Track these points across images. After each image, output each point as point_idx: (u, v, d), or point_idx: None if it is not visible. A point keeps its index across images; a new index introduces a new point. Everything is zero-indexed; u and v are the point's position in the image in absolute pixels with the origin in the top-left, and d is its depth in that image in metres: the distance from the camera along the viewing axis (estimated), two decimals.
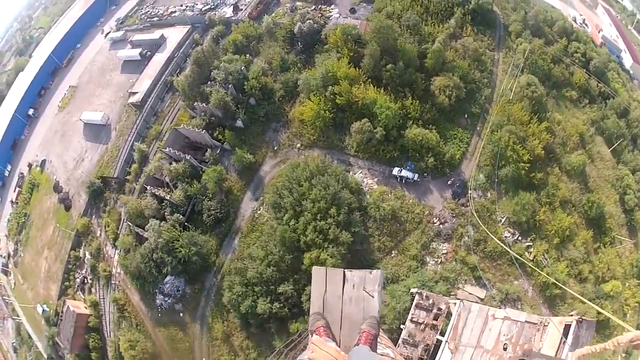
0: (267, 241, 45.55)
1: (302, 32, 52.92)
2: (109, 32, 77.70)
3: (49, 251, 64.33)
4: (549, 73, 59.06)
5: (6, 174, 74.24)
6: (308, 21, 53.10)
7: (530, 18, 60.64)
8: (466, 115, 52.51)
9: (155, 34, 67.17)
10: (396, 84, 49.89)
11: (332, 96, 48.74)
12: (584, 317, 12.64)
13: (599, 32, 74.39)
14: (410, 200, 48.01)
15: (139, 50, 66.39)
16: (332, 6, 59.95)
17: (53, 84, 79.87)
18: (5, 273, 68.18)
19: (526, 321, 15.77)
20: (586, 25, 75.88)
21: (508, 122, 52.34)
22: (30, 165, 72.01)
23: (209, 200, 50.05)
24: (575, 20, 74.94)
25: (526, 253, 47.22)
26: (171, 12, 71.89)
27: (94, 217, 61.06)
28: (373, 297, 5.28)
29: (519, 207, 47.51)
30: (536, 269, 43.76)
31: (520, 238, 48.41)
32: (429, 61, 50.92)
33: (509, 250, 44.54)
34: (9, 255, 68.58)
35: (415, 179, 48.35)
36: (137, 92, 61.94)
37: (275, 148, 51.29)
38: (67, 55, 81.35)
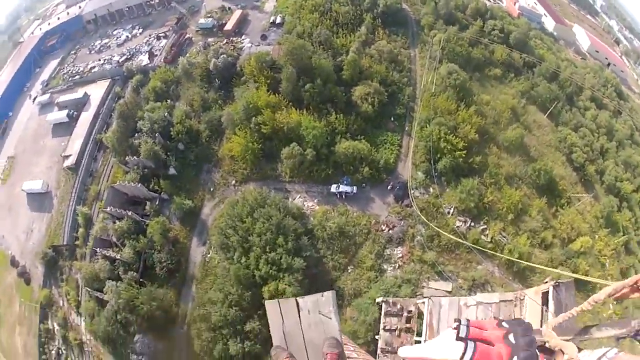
0: (223, 283, 45.44)
1: (217, 68, 52.57)
2: (36, 96, 76.01)
3: (21, 327, 63.32)
4: (469, 57, 59.77)
5: None
6: (222, 56, 52.79)
7: (441, 7, 61.13)
8: (392, 118, 53.05)
9: (79, 93, 65.80)
10: (317, 102, 50.07)
11: (257, 127, 48.70)
12: (559, 281, 12.86)
13: (514, 3, 75.99)
14: (355, 214, 47.89)
15: (65, 111, 65.09)
16: (243, 37, 59.61)
17: None
18: None
19: (500, 301, 15.80)
20: (500, 0, 77.35)
21: (435, 115, 52.79)
22: None
23: (158, 253, 49.83)
24: None
25: (482, 237, 47.25)
26: (91, 68, 70.47)
27: (54, 287, 60.33)
28: (330, 318, 5.28)
29: (464, 195, 47.72)
30: (495, 253, 43.20)
31: (473, 224, 48.48)
32: (346, 72, 51.23)
33: (462, 241, 44.23)
34: None
35: (354, 191, 48.50)
36: (70, 155, 60.76)
37: (212, 189, 50.96)
38: (1, 125, 79.41)
